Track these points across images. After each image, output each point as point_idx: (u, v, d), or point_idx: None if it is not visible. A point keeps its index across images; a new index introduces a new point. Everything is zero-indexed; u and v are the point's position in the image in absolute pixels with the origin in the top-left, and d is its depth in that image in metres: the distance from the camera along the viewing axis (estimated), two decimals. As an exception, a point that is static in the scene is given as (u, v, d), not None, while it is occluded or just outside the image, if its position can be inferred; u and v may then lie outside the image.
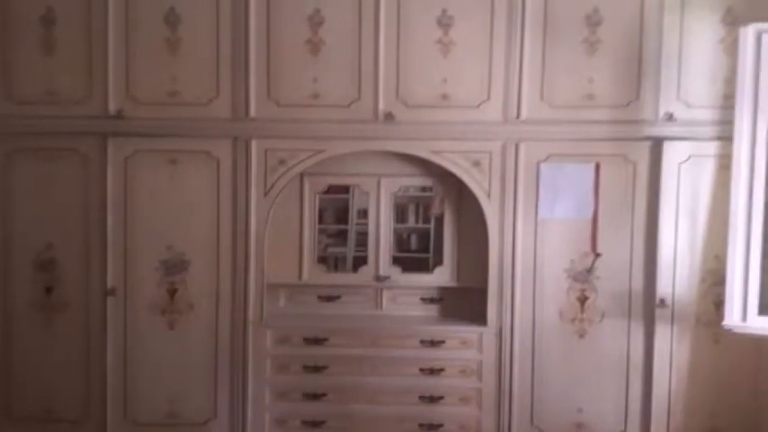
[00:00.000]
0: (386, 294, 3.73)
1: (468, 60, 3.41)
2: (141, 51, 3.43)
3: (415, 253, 3.73)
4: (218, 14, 3.41)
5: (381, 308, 3.73)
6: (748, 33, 2.98)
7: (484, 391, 3.49)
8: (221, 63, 3.42)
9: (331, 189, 3.68)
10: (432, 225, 3.72)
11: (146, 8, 3.43)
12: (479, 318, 3.50)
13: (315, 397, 3.50)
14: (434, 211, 3.71)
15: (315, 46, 3.42)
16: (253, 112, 3.43)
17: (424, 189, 3.70)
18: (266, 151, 3.45)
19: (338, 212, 3.73)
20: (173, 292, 3.49)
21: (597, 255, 3.43)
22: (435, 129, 3.42)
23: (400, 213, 3.71)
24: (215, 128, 3.43)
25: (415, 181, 3.68)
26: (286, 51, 3.42)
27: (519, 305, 3.45)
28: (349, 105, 3.43)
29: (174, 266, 3.48)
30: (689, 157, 3.36)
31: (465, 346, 3.50)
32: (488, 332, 3.47)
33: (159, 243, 3.47)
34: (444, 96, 3.42)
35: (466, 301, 3.64)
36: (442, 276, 3.69)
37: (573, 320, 3.46)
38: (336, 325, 3.55)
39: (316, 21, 3.42)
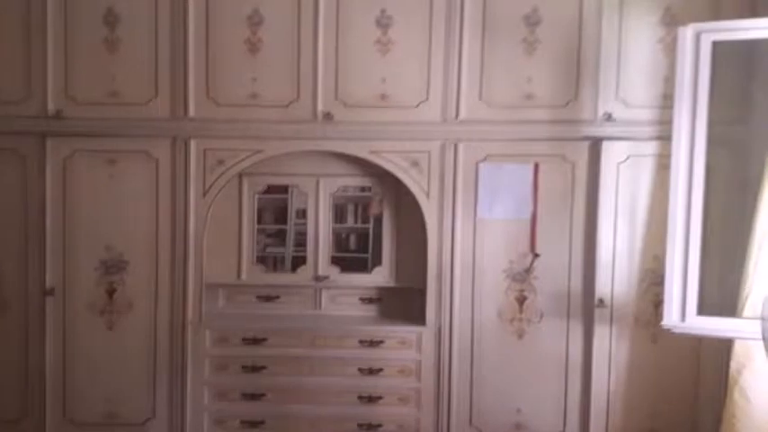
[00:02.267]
0: (325, 294, 3.73)
1: (407, 60, 3.41)
2: (80, 51, 3.43)
3: (354, 253, 3.73)
4: (156, 14, 3.41)
5: (320, 308, 3.73)
6: (687, 33, 2.97)
7: (423, 390, 3.49)
8: (160, 63, 3.42)
9: (270, 189, 3.68)
10: (371, 225, 3.72)
11: (84, 8, 3.42)
12: (418, 318, 3.51)
13: (254, 397, 3.50)
14: (373, 211, 3.71)
15: (254, 46, 3.42)
16: (192, 112, 3.43)
17: (362, 189, 3.70)
18: (205, 151, 3.45)
19: (277, 212, 3.72)
20: (111, 292, 3.49)
21: (536, 255, 3.43)
22: (374, 129, 3.42)
23: (339, 213, 3.71)
24: (154, 128, 3.43)
25: (353, 181, 3.67)
26: (225, 51, 3.42)
27: (458, 305, 3.45)
28: (288, 105, 3.43)
29: (113, 266, 3.48)
30: (628, 157, 3.36)
31: (404, 345, 3.50)
32: (427, 332, 3.47)
33: (98, 243, 3.47)
34: (383, 96, 3.41)
35: (405, 302, 3.65)
36: (380, 276, 3.69)
37: (512, 320, 3.46)
38: (275, 325, 3.55)
39: (254, 20, 3.42)
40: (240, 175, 3.60)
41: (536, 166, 3.42)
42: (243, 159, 3.46)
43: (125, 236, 3.46)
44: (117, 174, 3.46)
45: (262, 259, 3.70)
